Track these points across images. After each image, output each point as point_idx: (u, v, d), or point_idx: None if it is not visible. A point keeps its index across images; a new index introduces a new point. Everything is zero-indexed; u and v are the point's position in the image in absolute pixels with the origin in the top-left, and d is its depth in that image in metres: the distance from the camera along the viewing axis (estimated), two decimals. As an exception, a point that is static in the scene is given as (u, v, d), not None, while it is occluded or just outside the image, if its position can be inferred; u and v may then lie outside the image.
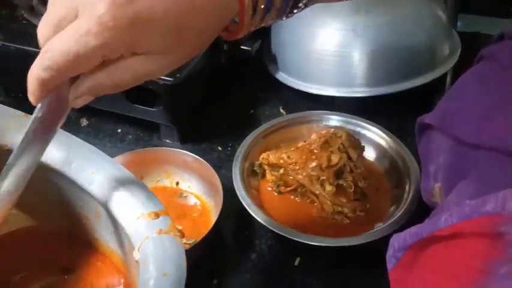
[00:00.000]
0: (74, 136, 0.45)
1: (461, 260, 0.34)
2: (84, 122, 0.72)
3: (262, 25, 0.35)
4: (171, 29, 0.30)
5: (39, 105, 0.34)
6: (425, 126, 0.49)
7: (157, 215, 0.41)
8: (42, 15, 0.35)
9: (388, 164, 0.61)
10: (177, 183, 0.62)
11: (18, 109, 0.45)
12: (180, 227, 0.56)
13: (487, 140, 0.41)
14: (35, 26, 0.72)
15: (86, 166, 0.44)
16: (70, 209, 0.47)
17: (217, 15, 0.32)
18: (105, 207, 0.43)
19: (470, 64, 0.81)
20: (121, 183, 0.44)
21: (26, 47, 0.67)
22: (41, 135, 0.35)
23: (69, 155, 0.45)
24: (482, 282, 0.32)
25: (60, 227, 0.49)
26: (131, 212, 0.42)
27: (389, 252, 0.39)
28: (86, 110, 0.72)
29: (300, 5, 0.34)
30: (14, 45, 0.67)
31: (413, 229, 0.38)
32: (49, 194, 0.47)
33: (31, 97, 0.34)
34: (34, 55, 0.71)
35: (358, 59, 0.69)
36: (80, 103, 0.34)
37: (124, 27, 0.29)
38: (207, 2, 0.30)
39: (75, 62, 0.31)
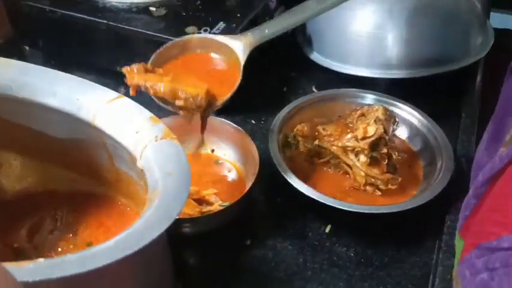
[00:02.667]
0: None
1: None
2: (122, 90, 0.74)
3: None
4: None
5: None
6: None
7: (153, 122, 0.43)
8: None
9: (421, 142, 0.62)
10: (213, 151, 0.63)
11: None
12: (215, 190, 0.58)
13: None
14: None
15: (72, 94, 0.46)
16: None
17: None
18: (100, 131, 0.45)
19: (501, 59, 0.81)
20: (111, 104, 0.46)
21: (71, 13, 0.69)
22: None
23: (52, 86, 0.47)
24: None
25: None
26: (125, 127, 0.43)
27: (470, 194, 0.39)
28: (123, 79, 0.75)
29: None
30: (60, 11, 0.69)
31: (503, 153, 0.37)
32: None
33: None
34: (79, 21, 0.73)
35: (393, 40, 0.70)
36: None
37: None
38: None
39: None
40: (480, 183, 0.38)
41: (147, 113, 0.45)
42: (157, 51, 0.55)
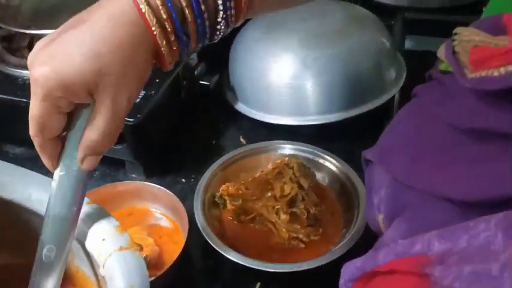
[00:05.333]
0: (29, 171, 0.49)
1: None
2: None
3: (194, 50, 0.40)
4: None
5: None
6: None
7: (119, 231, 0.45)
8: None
9: (339, 188, 0.65)
10: (147, 215, 0.65)
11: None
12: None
13: (416, 182, 0.43)
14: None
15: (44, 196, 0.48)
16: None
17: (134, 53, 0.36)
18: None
19: (417, 82, 0.84)
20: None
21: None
22: None
23: (28, 188, 0.48)
24: None
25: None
26: (92, 234, 0.45)
27: (341, 282, 0.41)
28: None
29: (220, 29, 0.38)
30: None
31: (358, 262, 0.40)
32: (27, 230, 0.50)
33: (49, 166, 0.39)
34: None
35: (310, 89, 0.73)
36: (87, 165, 0.39)
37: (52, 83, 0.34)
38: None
39: (40, 122, 0.36)
40: (347, 280, 0.40)
41: (114, 222, 0.47)
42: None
